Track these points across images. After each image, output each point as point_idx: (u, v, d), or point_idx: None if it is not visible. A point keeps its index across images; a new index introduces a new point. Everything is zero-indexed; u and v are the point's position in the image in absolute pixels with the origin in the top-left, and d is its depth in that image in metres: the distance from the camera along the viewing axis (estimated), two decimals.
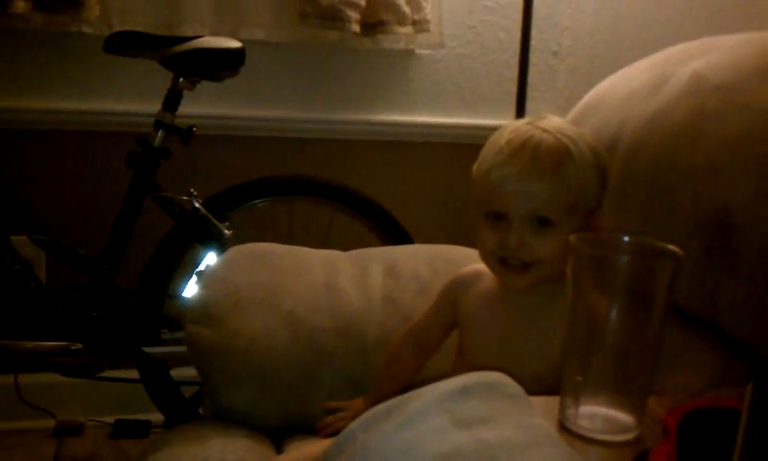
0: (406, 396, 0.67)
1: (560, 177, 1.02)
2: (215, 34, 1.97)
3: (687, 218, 1.07)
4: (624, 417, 0.72)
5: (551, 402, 0.74)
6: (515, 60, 2.24)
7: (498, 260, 1.08)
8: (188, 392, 2.05)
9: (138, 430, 2.16)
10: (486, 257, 1.10)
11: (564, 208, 1.03)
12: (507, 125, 1.11)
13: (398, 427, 0.62)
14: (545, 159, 1.02)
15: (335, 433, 1.00)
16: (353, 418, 1.17)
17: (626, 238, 0.77)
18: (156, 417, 2.08)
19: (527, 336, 1.10)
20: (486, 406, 0.61)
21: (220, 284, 1.42)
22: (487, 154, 1.08)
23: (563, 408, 0.73)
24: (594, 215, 1.08)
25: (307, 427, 1.31)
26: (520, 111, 2.22)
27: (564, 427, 0.73)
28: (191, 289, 1.99)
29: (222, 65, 1.87)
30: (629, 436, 0.71)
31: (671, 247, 0.72)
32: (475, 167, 1.10)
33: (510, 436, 0.58)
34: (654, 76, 1.27)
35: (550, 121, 1.08)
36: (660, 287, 0.69)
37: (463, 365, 1.17)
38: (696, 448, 0.61)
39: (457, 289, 1.20)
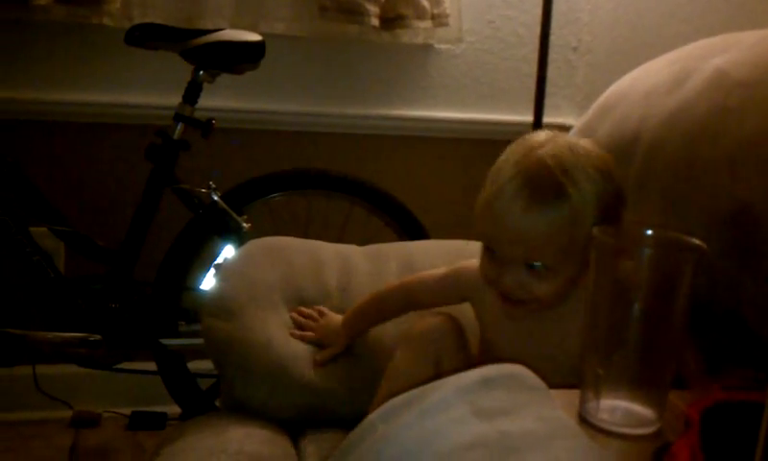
0: (427, 386, 0.67)
1: (553, 224, 0.96)
2: (235, 27, 1.98)
3: (707, 214, 1.07)
4: (645, 411, 0.72)
5: (571, 395, 0.74)
6: (534, 56, 2.24)
7: (496, 291, 1.05)
8: (204, 384, 2.06)
9: (155, 422, 2.17)
10: (486, 283, 1.07)
11: (561, 253, 0.98)
12: (514, 147, 1.04)
13: (419, 418, 0.62)
14: (537, 207, 0.96)
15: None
16: (319, 329, 1.28)
17: (649, 231, 0.76)
18: (173, 409, 2.10)
19: (540, 349, 1.07)
20: (507, 398, 0.61)
21: (237, 278, 1.43)
22: (488, 183, 1.03)
23: (583, 401, 0.74)
24: None
25: (323, 421, 1.31)
26: (539, 107, 2.22)
27: (584, 420, 0.73)
28: (209, 282, 2.00)
29: (242, 58, 1.88)
30: (649, 430, 0.71)
31: (694, 240, 0.72)
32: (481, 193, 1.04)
33: (531, 427, 0.58)
34: (675, 72, 1.27)
35: (555, 148, 1.00)
36: (683, 281, 0.69)
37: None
38: (719, 442, 0.61)
39: (468, 289, 1.18)
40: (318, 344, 1.36)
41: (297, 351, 1.33)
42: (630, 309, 0.69)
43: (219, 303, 1.39)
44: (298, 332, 1.37)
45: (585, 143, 1.04)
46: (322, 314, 1.39)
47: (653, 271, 0.70)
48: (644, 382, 0.72)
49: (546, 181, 0.97)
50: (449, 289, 1.22)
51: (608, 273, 0.72)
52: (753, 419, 0.54)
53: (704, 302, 1.02)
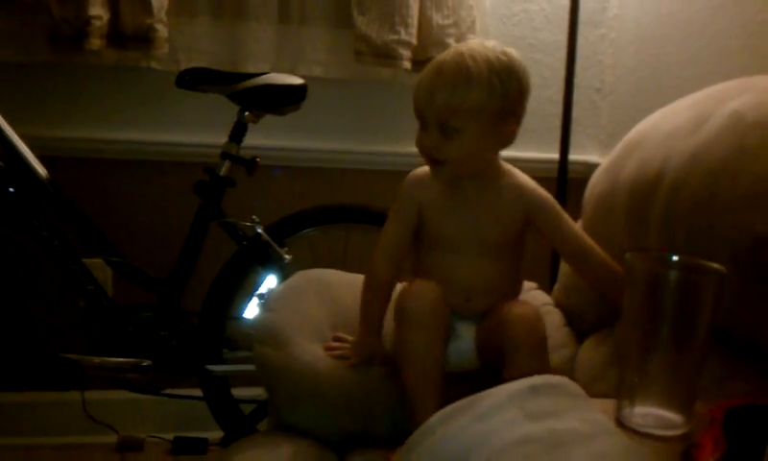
0: (478, 395, 0.76)
1: (458, 91, 1.26)
2: (274, 70, 2.05)
3: (729, 247, 1.10)
4: (674, 416, 0.80)
5: (607, 404, 0.83)
6: (558, 97, 2.32)
7: (425, 156, 1.35)
8: (246, 409, 2.13)
9: (196, 447, 2.18)
10: (420, 153, 1.36)
11: (465, 117, 1.28)
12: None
13: (474, 420, 0.71)
14: (446, 79, 1.27)
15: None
16: (352, 346, 1.39)
17: (675, 258, 0.86)
18: (213, 435, 2.13)
19: (474, 211, 1.38)
20: (552, 402, 0.70)
21: (286, 309, 1.51)
22: (423, 73, 1.34)
23: (619, 408, 0.82)
24: (505, 121, 1.31)
25: (368, 442, 1.37)
26: (565, 145, 2.29)
27: (620, 424, 0.81)
28: (253, 311, 2.08)
29: (286, 100, 1.96)
30: (679, 432, 0.80)
31: (715, 265, 0.80)
32: None
33: (576, 426, 0.67)
34: (695, 114, 1.33)
35: (473, 44, 1.32)
36: (706, 301, 0.78)
37: (430, 262, 1.41)
38: (741, 440, 0.68)
39: (418, 191, 1.41)
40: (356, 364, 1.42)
41: (341, 379, 1.38)
42: (660, 325, 0.78)
43: (269, 333, 1.46)
44: (333, 352, 1.43)
45: (496, 45, 1.32)
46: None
47: (679, 292, 0.79)
48: (674, 390, 0.81)
49: (456, 61, 1.28)
50: (407, 205, 1.42)
51: (639, 293, 0.81)
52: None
53: (727, 326, 1.10)
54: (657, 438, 0.78)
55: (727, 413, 0.69)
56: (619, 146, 1.54)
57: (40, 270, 2.12)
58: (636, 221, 1.36)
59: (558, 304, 1.65)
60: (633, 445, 0.66)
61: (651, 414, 0.80)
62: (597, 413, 0.69)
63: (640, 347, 0.80)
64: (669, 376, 0.80)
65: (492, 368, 1.33)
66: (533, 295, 1.68)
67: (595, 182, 1.58)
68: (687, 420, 0.80)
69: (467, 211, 1.39)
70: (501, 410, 0.71)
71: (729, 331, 1.11)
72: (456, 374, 1.36)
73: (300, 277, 1.61)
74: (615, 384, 0.82)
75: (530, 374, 0.89)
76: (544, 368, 1.21)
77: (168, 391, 2.05)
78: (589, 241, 1.42)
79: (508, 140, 1.36)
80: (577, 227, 1.44)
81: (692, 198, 1.21)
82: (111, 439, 2.22)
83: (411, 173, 1.45)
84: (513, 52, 1.33)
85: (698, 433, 0.73)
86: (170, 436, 2.21)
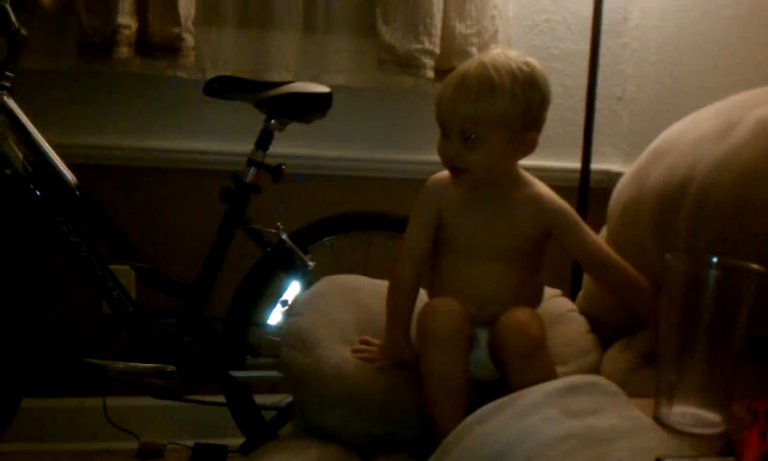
0: (514, 394, 0.77)
1: (481, 102, 1.29)
2: (298, 78, 2.08)
3: (757, 252, 1.09)
4: (712, 415, 0.81)
5: (645, 403, 0.83)
6: (580, 105, 2.33)
7: (446, 164, 1.37)
8: (267, 416, 2.13)
9: (216, 454, 2.19)
10: (441, 161, 1.38)
11: (487, 127, 1.30)
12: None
13: (514, 418, 0.72)
14: (470, 89, 1.29)
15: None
16: (379, 349, 1.40)
17: (714, 259, 0.87)
18: (233, 441, 2.15)
19: (492, 219, 1.40)
20: (591, 401, 0.71)
21: (314, 314, 1.52)
22: (445, 82, 1.36)
23: (657, 407, 0.82)
24: (527, 130, 1.33)
25: (393, 446, 1.37)
26: (587, 154, 2.30)
27: (657, 422, 0.82)
28: (276, 318, 2.09)
29: (312, 108, 1.98)
30: (716, 431, 0.80)
31: (754, 265, 0.81)
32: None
33: (615, 423, 0.68)
34: (722, 121, 1.34)
35: (495, 54, 1.34)
36: (745, 300, 0.79)
37: (447, 267, 1.43)
38: None
39: (439, 196, 1.43)
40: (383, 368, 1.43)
41: (369, 383, 1.38)
42: (698, 325, 0.79)
43: (297, 337, 1.47)
44: (360, 355, 1.44)
45: (518, 55, 1.34)
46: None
47: (718, 292, 0.80)
48: (711, 390, 0.81)
49: (480, 71, 1.30)
50: (428, 212, 1.44)
51: (678, 293, 0.82)
52: None
53: (760, 333, 1.10)
54: (695, 436, 0.79)
55: None
56: (645, 153, 1.55)
57: (65, 275, 2.15)
58: (663, 227, 1.37)
59: (582, 311, 1.66)
60: (674, 441, 0.66)
61: (689, 413, 0.81)
62: (636, 411, 0.70)
63: (678, 346, 0.81)
64: (707, 376, 0.81)
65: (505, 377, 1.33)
66: (557, 301, 1.68)
67: (621, 190, 1.59)
68: (725, 419, 0.81)
69: (484, 218, 1.41)
70: (540, 408, 0.72)
71: (760, 338, 1.11)
72: (477, 383, 1.37)
73: (327, 282, 1.63)
74: (654, 383, 0.82)
75: (529, 381, 0.90)
76: (543, 374, 1.18)
77: (190, 397, 2.05)
78: (610, 251, 1.42)
79: (529, 149, 1.37)
80: (597, 237, 1.45)
81: (721, 202, 1.22)
82: (132, 445, 2.23)
83: (432, 177, 1.47)
84: (534, 62, 1.35)
85: (737, 431, 0.74)
86: (190, 443, 2.22)
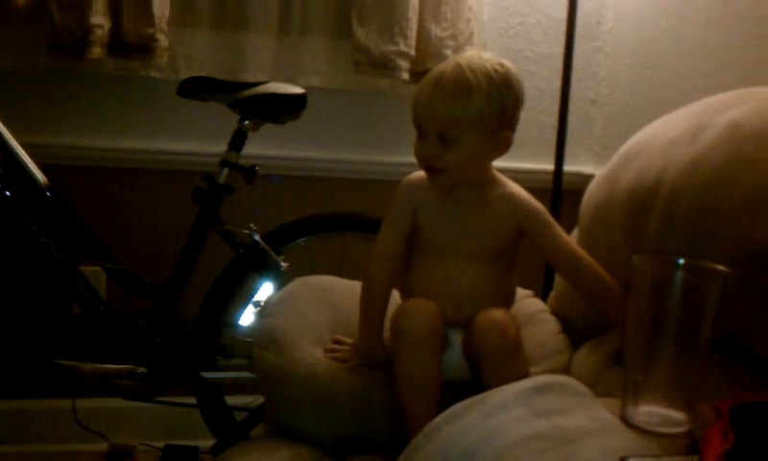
0: (483, 395, 0.77)
1: (458, 102, 1.30)
2: (273, 79, 2.05)
3: (726, 255, 1.08)
4: (677, 415, 0.82)
5: (613, 403, 0.84)
6: (554, 108, 2.34)
7: (423, 165, 1.38)
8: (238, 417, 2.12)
9: (187, 456, 2.18)
10: (417, 162, 1.39)
11: (464, 127, 1.32)
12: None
13: (482, 418, 0.72)
14: (447, 90, 1.31)
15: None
16: (351, 348, 1.40)
17: (681, 260, 0.87)
18: (204, 443, 2.13)
19: (467, 218, 1.41)
20: (559, 401, 0.71)
21: (286, 315, 1.51)
22: (421, 83, 1.37)
23: (624, 406, 0.83)
24: (502, 129, 1.35)
25: (366, 447, 1.37)
26: (560, 156, 2.32)
27: (624, 422, 0.82)
28: (249, 319, 2.08)
29: (286, 109, 1.97)
30: (682, 429, 0.81)
31: (719, 266, 0.82)
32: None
33: (583, 423, 0.68)
34: (693, 124, 1.34)
35: (470, 56, 1.35)
36: (711, 302, 0.79)
37: (422, 267, 1.44)
38: (747, 435, 0.69)
39: (413, 196, 1.44)
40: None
41: (341, 384, 1.38)
42: (665, 326, 0.79)
43: (269, 338, 1.46)
44: (333, 354, 1.44)
45: (492, 57, 1.36)
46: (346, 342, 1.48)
47: (684, 293, 0.80)
48: (677, 389, 0.82)
49: (457, 78, 1.31)
50: (403, 212, 1.44)
51: (645, 294, 0.82)
52: None
53: (725, 334, 1.11)
54: (661, 435, 0.79)
55: (732, 409, 0.71)
56: (617, 156, 1.55)
57: (35, 275, 2.14)
58: (633, 230, 1.37)
59: (553, 311, 1.66)
60: (640, 440, 0.67)
61: (655, 412, 0.82)
62: (603, 411, 0.70)
63: (645, 346, 0.82)
64: (673, 376, 0.82)
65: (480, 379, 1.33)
66: (528, 302, 1.69)
67: (592, 192, 1.60)
68: (690, 419, 0.82)
69: (460, 218, 1.42)
70: (508, 408, 0.72)
71: (727, 339, 1.12)
72: (450, 384, 1.36)
73: (300, 282, 1.62)
74: (621, 383, 0.83)
75: (504, 380, 0.90)
76: (518, 373, 1.19)
77: (161, 398, 2.04)
78: (581, 252, 1.44)
79: (504, 148, 1.39)
80: (569, 238, 1.46)
81: (691, 206, 1.23)
82: (102, 447, 2.21)
83: (406, 178, 1.47)
84: (508, 64, 1.37)
85: (702, 430, 0.74)
86: (160, 444, 2.21)
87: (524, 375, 1.24)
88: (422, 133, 1.37)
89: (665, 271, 0.83)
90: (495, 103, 1.32)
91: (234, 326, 2.09)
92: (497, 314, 1.33)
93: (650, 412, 0.81)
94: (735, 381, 1.08)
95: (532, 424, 0.68)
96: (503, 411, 0.71)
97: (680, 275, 0.82)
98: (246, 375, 2.01)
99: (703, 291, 0.80)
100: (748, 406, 0.71)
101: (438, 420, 0.74)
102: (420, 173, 1.43)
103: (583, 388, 0.72)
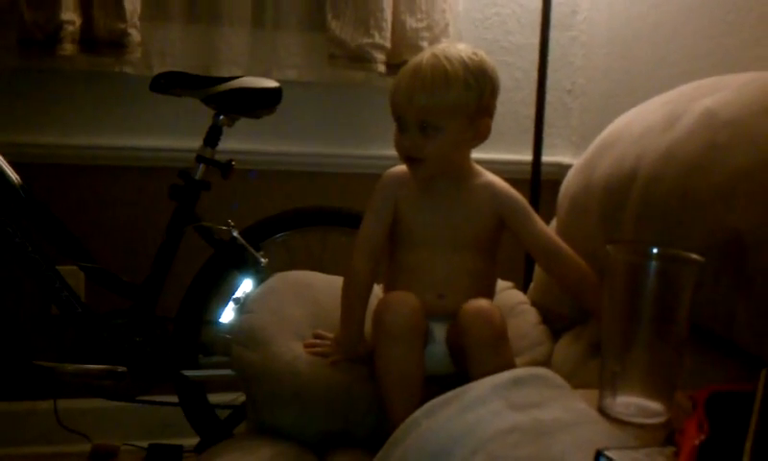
0: (461, 388, 0.77)
1: (437, 92, 1.32)
2: (249, 74, 2.05)
3: (702, 243, 1.11)
4: (655, 405, 0.82)
5: (591, 394, 0.84)
6: (531, 98, 2.35)
7: (403, 157, 1.39)
8: (221, 414, 2.12)
9: (171, 455, 2.17)
10: (398, 154, 1.41)
11: (444, 116, 1.33)
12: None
13: (460, 412, 0.72)
14: (425, 80, 1.32)
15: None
16: (333, 343, 1.40)
17: (655, 249, 0.87)
18: (188, 441, 2.13)
19: (448, 209, 1.43)
20: (536, 393, 0.71)
21: (265, 311, 1.51)
22: (398, 75, 1.39)
23: (601, 397, 0.83)
24: (480, 116, 1.37)
25: (348, 442, 1.37)
26: (537, 146, 2.32)
27: (602, 414, 0.83)
28: (229, 315, 2.07)
29: (261, 104, 1.96)
30: (660, 419, 0.81)
31: (693, 255, 0.82)
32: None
33: (560, 416, 0.68)
34: (668, 112, 1.35)
35: (445, 46, 1.38)
36: (686, 290, 0.79)
37: (404, 260, 1.44)
38: (723, 425, 0.69)
39: (395, 189, 1.45)
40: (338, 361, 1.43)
41: (322, 379, 1.38)
42: (640, 316, 0.80)
43: (249, 334, 1.46)
44: (313, 349, 1.44)
45: (466, 46, 1.38)
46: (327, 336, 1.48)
47: (659, 282, 0.80)
48: (655, 379, 0.82)
49: (432, 63, 1.33)
50: (384, 203, 1.45)
51: (620, 284, 0.83)
52: (748, 404, 0.63)
53: (701, 321, 1.11)
54: (638, 426, 0.80)
55: (708, 398, 0.71)
56: (593, 145, 1.56)
57: (12, 276, 2.11)
58: (610, 219, 1.38)
59: (534, 303, 1.67)
60: (616, 432, 0.67)
61: (633, 403, 0.82)
62: (580, 403, 0.70)
63: (622, 337, 0.82)
64: (650, 365, 0.82)
65: (464, 371, 1.33)
66: (508, 294, 1.69)
67: (569, 182, 1.60)
68: (668, 408, 0.82)
69: (441, 208, 1.43)
70: (486, 401, 0.72)
71: (702, 326, 1.13)
72: (433, 378, 1.37)
73: (279, 278, 1.62)
74: (598, 374, 0.83)
75: (491, 370, 0.90)
76: (505, 363, 1.21)
77: (142, 398, 2.03)
78: (559, 242, 1.45)
79: (483, 135, 1.41)
80: (548, 228, 1.48)
81: (666, 194, 1.23)
82: (85, 448, 2.20)
83: (387, 171, 1.48)
84: (482, 52, 1.39)
85: (680, 420, 0.75)
86: (144, 443, 2.20)
87: (510, 364, 1.25)
88: (402, 124, 1.38)
89: (639, 260, 0.83)
90: (473, 90, 1.34)
91: (215, 323, 2.08)
92: (483, 304, 1.33)
93: (627, 403, 0.81)
94: (713, 369, 1.09)
95: (509, 418, 0.68)
96: (480, 405, 0.71)
97: (654, 264, 0.82)
98: (228, 372, 1.99)
99: (677, 280, 0.80)
100: (724, 395, 0.72)
101: (417, 414, 0.74)
102: (401, 167, 1.44)
103: (560, 380, 0.73)
